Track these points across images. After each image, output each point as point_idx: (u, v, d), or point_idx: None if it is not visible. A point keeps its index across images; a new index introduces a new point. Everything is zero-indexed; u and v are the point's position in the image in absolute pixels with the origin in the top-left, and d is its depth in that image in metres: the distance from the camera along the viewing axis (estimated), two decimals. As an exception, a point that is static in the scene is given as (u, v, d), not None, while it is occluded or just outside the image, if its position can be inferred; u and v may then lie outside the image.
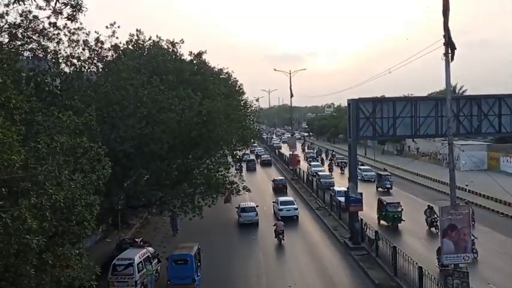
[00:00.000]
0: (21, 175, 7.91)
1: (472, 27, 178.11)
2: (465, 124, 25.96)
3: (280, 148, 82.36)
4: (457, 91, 75.86)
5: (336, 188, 37.57)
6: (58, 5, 13.80)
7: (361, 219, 26.69)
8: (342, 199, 30.55)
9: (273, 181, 46.08)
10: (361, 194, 26.43)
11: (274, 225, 27.95)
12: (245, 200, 34.84)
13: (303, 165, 58.44)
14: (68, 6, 13.77)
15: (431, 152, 60.76)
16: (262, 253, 25.82)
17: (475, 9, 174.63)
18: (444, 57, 15.93)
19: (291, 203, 33.79)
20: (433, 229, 28.68)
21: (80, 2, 13.56)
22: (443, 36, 15.72)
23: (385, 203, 30.72)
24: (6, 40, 15.03)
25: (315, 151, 76.94)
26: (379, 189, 43.81)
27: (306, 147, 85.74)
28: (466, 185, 39.16)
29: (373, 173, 49.30)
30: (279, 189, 43.36)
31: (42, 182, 8.23)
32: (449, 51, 15.70)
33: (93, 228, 9.67)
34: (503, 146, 52.68)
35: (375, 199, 33.65)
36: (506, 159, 50.56)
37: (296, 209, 33.22)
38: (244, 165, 55.19)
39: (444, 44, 15.85)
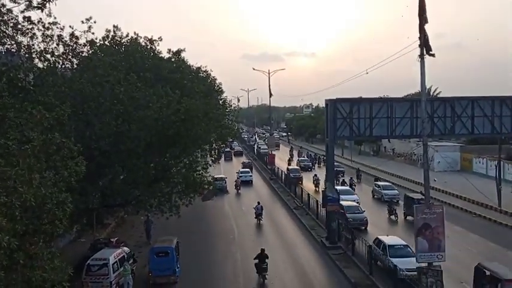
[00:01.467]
0: None
1: (447, 31, 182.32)
2: (439, 125, 26.53)
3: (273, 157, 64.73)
4: (431, 93, 77.55)
5: (387, 241, 22.95)
6: None
7: (337, 219, 26.94)
8: (402, 265, 20.45)
9: (242, 163, 60.67)
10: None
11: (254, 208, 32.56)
12: (219, 173, 47.31)
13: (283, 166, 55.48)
14: None
15: (406, 152, 61.87)
16: (239, 253, 25.76)
17: (451, 13, 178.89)
18: (420, 59, 16.20)
19: (247, 172, 51.08)
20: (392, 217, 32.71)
21: None
22: (419, 38, 15.99)
23: None
24: None
25: (306, 157, 68.48)
26: (408, 217, 31.92)
27: (295, 153, 74.61)
28: (434, 180, 39.91)
29: (396, 191, 39.06)
30: (246, 167, 55.93)
31: (13, 180, 7.96)
32: (425, 53, 15.97)
33: (65, 227, 9.42)
34: (476, 147, 54.04)
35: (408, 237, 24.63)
36: (478, 161, 51.87)
37: (251, 175, 50.49)
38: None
39: (419, 45, 16.11)
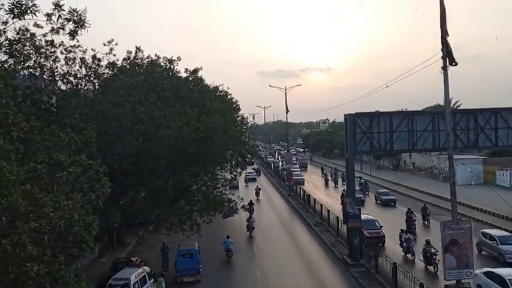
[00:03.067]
0: (23, 204, 7.67)
1: (465, 43, 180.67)
2: (462, 138, 25.99)
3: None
4: (452, 105, 76.50)
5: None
6: (60, 20, 13.69)
7: (360, 236, 26.41)
8: None
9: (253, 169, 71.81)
10: None
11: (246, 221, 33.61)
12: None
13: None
14: (71, 22, 13.67)
15: (427, 166, 60.83)
16: (260, 270, 25.42)
17: (469, 25, 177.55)
18: (443, 71, 15.97)
19: (253, 173, 67.88)
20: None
21: (83, 17, 13.48)
22: (441, 49, 15.81)
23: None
24: (5, 58, 14.84)
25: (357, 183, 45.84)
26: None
27: (329, 175, 62.11)
28: (468, 196, 39.25)
29: (393, 196, 43.70)
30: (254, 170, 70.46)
31: (42, 205, 7.98)
32: (448, 65, 15.76)
33: (91, 248, 9.40)
34: (499, 159, 52.85)
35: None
36: (502, 173, 50.66)
37: (257, 174, 69.88)
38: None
39: (442, 57, 15.92)
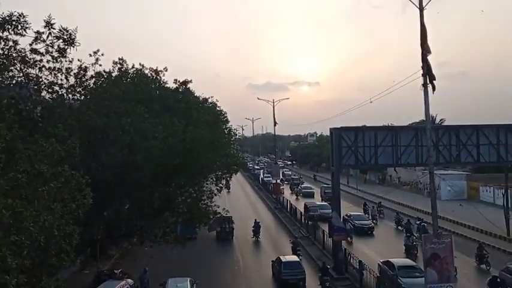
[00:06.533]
0: (6, 216, 7.66)
1: (452, 59, 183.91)
2: (444, 153, 26.46)
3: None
4: (435, 121, 77.50)
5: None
6: (50, 38, 13.82)
7: (345, 249, 26.51)
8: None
9: None
10: None
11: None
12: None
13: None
14: (60, 40, 13.81)
15: (412, 181, 61.41)
16: (245, 285, 25.31)
17: (455, 41, 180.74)
18: (423, 88, 16.35)
19: None
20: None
21: (73, 36, 13.61)
22: (422, 67, 16.19)
23: None
24: None
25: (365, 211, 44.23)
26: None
27: (377, 214, 44.18)
28: (460, 205, 40.05)
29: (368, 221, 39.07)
30: None
31: (23, 219, 7.98)
32: (428, 82, 16.12)
33: (72, 259, 9.35)
34: (482, 175, 53.55)
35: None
36: (485, 189, 51.35)
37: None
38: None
39: (422, 75, 16.30)
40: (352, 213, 40.20)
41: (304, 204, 43.76)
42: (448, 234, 19.93)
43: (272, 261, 26.57)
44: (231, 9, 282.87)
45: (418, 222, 34.91)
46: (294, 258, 26.17)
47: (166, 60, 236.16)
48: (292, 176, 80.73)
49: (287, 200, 49.91)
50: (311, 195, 59.18)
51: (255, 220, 37.29)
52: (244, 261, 30.17)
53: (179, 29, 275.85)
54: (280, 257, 25.73)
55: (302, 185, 66.35)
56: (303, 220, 40.05)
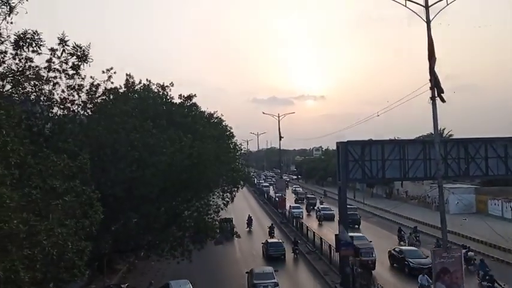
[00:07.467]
0: (23, 230, 7.74)
1: (462, 72, 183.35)
2: (453, 167, 26.33)
3: None
4: (444, 135, 77.28)
5: None
6: (64, 54, 14.06)
7: (352, 264, 26.26)
8: None
9: None
10: None
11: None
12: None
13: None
14: (74, 57, 14.04)
15: (419, 195, 61.00)
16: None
17: (464, 54, 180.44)
18: (431, 101, 16.38)
19: None
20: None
21: (87, 53, 13.85)
22: (430, 80, 16.24)
23: None
24: (8, 87, 15.00)
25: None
26: None
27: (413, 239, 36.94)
28: (464, 219, 39.09)
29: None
30: None
31: (37, 232, 8.06)
32: (436, 95, 16.16)
33: (83, 274, 9.38)
34: (491, 189, 53.10)
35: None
36: (494, 202, 50.88)
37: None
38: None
39: (430, 88, 16.34)
40: (404, 248, 31.68)
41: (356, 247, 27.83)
42: (457, 248, 19.74)
43: (262, 243, 36.22)
44: (235, 26, 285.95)
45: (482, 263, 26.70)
46: (277, 240, 36.64)
47: (169, 74, 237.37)
48: (307, 195, 71.35)
49: (307, 228, 40.73)
50: (331, 217, 50.34)
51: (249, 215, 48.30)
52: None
53: (185, 44, 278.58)
54: (268, 239, 36.50)
55: (321, 206, 58.10)
56: (309, 235, 39.38)
